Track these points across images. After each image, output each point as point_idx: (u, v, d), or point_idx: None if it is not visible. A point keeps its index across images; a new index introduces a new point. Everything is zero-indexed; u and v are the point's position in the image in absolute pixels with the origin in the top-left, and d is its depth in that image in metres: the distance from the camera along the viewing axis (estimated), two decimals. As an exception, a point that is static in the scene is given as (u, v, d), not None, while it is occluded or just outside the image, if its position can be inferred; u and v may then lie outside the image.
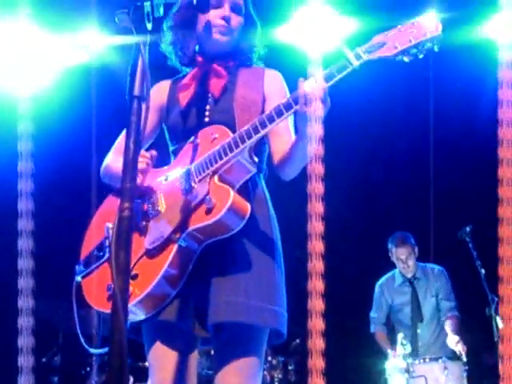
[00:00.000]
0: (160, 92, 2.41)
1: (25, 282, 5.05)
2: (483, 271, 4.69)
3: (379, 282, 5.43)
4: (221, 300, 2.09)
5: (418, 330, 5.05)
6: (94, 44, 5.32)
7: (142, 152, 2.19)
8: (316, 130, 2.05)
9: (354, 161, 5.73)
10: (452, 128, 5.56)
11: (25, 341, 4.95)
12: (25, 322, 4.98)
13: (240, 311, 2.08)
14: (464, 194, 5.69)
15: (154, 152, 2.24)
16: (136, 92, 1.65)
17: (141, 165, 2.15)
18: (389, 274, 5.43)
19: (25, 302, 5.02)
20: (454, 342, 4.75)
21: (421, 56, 2.05)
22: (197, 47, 2.40)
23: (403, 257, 5.21)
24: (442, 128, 5.59)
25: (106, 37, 5.23)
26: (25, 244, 5.09)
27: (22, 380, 4.96)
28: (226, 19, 2.30)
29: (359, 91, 4.54)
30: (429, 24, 2.03)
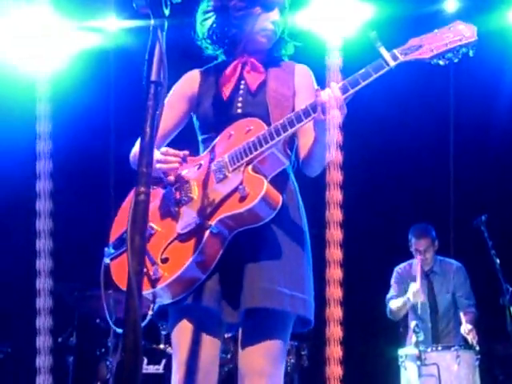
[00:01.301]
0: (191, 81, 2.44)
1: (43, 264, 5.12)
2: (498, 261, 4.68)
3: (397, 268, 5.40)
4: (255, 286, 2.12)
5: (429, 324, 5.06)
6: (112, 27, 5.34)
7: (175, 151, 2.24)
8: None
9: (374, 150, 5.70)
10: (472, 119, 5.52)
11: (43, 321, 5.03)
12: (43, 302, 5.06)
13: (274, 298, 2.12)
14: (483, 184, 5.65)
15: (186, 152, 2.27)
16: (153, 77, 1.65)
17: (173, 165, 2.22)
18: (406, 263, 5.40)
19: (43, 284, 5.10)
20: (467, 329, 4.76)
21: (456, 60, 2.09)
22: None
23: (422, 249, 5.19)
24: (463, 120, 5.56)
25: (123, 21, 5.25)
26: (43, 225, 5.15)
27: (41, 360, 5.04)
28: (276, 24, 2.34)
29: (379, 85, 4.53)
30: (465, 29, 2.06)
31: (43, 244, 5.10)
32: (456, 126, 5.64)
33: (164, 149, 2.25)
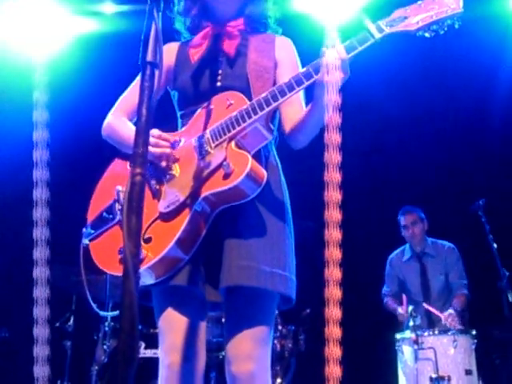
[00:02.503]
0: (168, 54, 2.38)
1: (40, 252, 5.10)
2: (495, 245, 4.70)
3: (389, 257, 5.49)
4: (233, 264, 2.09)
5: (425, 305, 5.08)
6: (108, 10, 5.30)
7: (167, 136, 2.19)
8: (333, 99, 2.05)
9: (373, 140, 5.70)
10: (470, 104, 5.51)
11: (40, 311, 5.02)
12: (40, 292, 5.05)
13: (251, 275, 2.08)
14: (481, 169, 5.65)
15: (177, 137, 2.22)
16: (149, 57, 1.64)
17: (165, 149, 2.16)
18: (399, 249, 5.48)
19: (40, 273, 5.08)
20: (446, 315, 4.80)
21: (441, 32, 2.06)
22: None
23: (408, 223, 5.30)
24: (461, 105, 5.55)
25: (119, 6, 5.21)
26: (40, 213, 5.13)
27: (38, 350, 5.04)
28: None
29: (378, 62, 4.50)
30: (451, 0, 2.03)
31: (40, 233, 5.08)
32: (454, 112, 5.63)
33: (157, 132, 2.19)
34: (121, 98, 2.42)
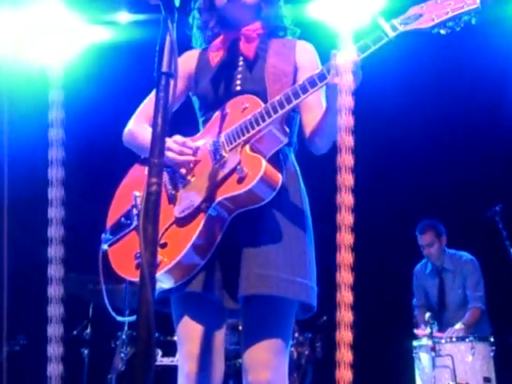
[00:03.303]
0: (189, 60, 2.39)
1: (54, 251, 5.13)
2: (512, 251, 4.66)
3: (415, 269, 5.53)
4: (252, 272, 2.08)
5: (443, 318, 5.08)
6: (123, 21, 5.35)
7: (192, 144, 2.18)
8: (346, 102, 2.02)
9: (386, 145, 5.67)
10: (483, 108, 5.48)
11: (54, 310, 5.05)
12: (55, 290, 5.08)
13: (271, 284, 2.07)
14: (498, 174, 5.61)
15: (199, 144, 2.21)
16: (164, 68, 1.64)
17: (188, 157, 2.15)
18: (423, 261, 5.48)
19: (54, 271, 5.11)
20: (448, 331, 4.80)
21: (458, 29, 2.01)
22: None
23: (425, 243, 5.28)
24: (474, 109, 5.51)
25: (134, 13, 5.25)
26: (55, 213, 5.16)
27: (52, 349, 5.06)
28: None
29: (392, 66, 4.49)
30: None
31: (54, 231, 5.13)
32: (468, 115, 5.59)
33: (181, 139, 2.18)
34: (141, 105, 2.43)
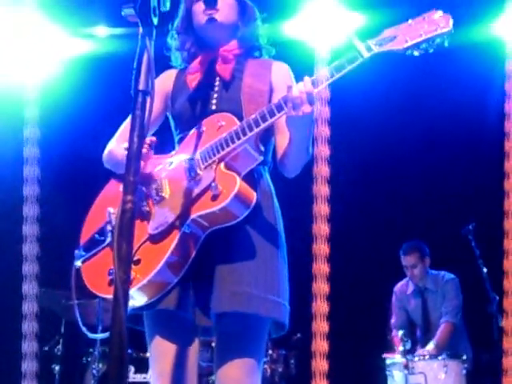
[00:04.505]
0: (166, 80, 2.41)
1: (29, 268, 5.10)
2: (485, 270, 4.70)
3: (394, 289, 5.47)
4: (225, 289, 2.08)
5: (428, 338, 5.09)
6: (100, 34, 5.35)
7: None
8: (322, 112, 2.04)
9: (359, 163, 5.70)
10: (460, 129, 5.54)
11: (29, 326, 5.01)
12: (29, 307, 5.04)
13: (243, 301, 2.07)
14: (469, 189, 5.67)
15: (153, 138, 2.23)
16: (141, 86, 1.65)
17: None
18: (404, 280, 5.45)
19: (29, 288, 5.08)
20: (420, 352, 4.83)
21: (431, 51, 2.06)
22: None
23: (409, 264, 5.26)
24: (450, 129, 5.58)
25: (112, 29, 5.26)
26: (30, 230, 5.14)
27: (26, 365, 5.01)
28: (207, 3, 2.28)
29: (365, 89, 4.53)
30: (440, 19, 2.03)
31: (29, 249, 5.12)
32: (443, 136, 5.66)
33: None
34: (122, 125, 2.43)
